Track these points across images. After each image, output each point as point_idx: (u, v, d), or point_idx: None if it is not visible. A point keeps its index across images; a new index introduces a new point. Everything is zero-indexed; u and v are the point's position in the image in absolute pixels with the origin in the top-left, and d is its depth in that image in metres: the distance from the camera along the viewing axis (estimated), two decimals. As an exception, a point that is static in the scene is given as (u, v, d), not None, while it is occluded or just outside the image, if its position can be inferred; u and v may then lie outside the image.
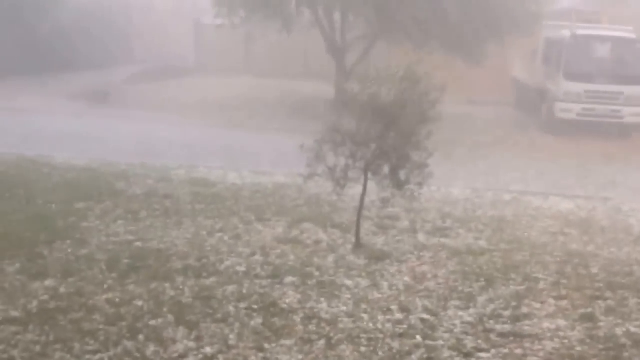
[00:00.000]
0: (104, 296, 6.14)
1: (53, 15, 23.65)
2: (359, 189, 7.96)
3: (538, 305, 6.54)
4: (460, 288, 6.86)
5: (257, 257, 7.38)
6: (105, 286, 6.37)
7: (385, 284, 6.85)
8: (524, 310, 6.41)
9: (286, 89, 22.25)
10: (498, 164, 13.89)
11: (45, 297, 6.07)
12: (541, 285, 7.09)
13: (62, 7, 24.19)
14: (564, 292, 6.93)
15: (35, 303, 5.93)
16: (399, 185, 7.63)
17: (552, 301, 6.67)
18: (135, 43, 28.85)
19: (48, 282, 6.38)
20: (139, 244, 7.60)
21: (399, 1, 16.44)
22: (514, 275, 7.31)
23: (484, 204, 10.49)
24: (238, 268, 7.03)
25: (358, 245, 7.88)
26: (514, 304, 6.52)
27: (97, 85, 21.58)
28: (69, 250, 7.24)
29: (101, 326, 5.58)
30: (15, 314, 5.71)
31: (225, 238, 8.00)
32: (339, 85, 18.54)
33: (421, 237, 8.51)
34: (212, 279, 6.69)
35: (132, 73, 24.88)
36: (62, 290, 6.23)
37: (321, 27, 19.07)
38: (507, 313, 6.30)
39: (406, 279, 7.04)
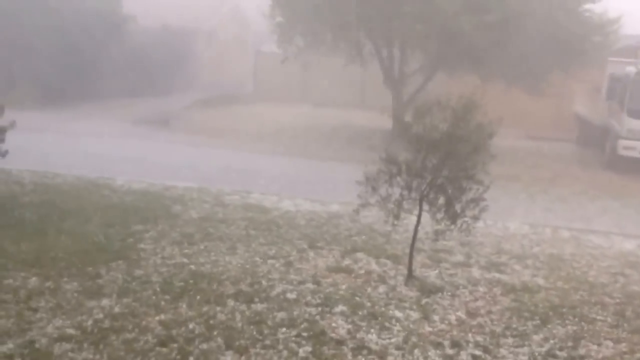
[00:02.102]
0: (157, 317, 6.22)
1: (119, 43, 24.52)
2: (413, 220, 7.90)
3: (595, 347, 6.32)
4: (514, 325, 6.69)
5: (309, 285, 7.37)
6: (159, 308, 6.46)
7: (436, 318, 6.73)
8: (581, 351, 6.20)
9: (342, 118, 22.36)
10: (557, 200, 13.57)
11: (100, 315, 6.19)
12: (599, 326, 6.85)
13: (128, 35, 25.06)
14: (622, 334, 6.68)
15: (90, 321, 6.05)
16: (454, 218, 7.53)
17: (609, 343, 6.44)
18: (197, 70, 29.55)
19: (104, 302, 6.51)
20: (192, 267, 7.70)
21: (460, 33, 16.39)
22: (571, 315, 7.09)
23: (542, 241, 10.25)
24: (289, 295, 7.03)
25: (410, 277, 7.80)
26: (570, 344, 6.32)
27: (159, 111, 22.15)
28: (125, 271, 7.38)
29: (153, 347, 5.65)
30: (71, 331, 5.84)
31: (278, 265, 8.03)
32: (395, 116, 18.51)
33: (475, 272, 8.36)
34: (263, 305, 6.71)
35: (193, 100, 25.44)
36: (116, 309, 6.35)
37: (379, 58, 19.17)
38: (562, 354, 6.11)
39: (459, 313, 6.91)
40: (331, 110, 23.68)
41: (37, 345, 5.55)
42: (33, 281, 6.90)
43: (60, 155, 14.22)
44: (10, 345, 5.52)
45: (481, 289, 7.72)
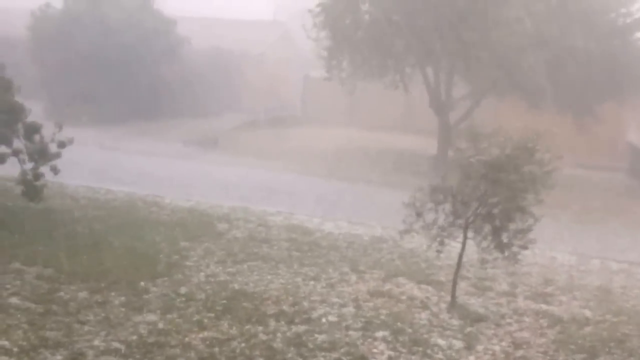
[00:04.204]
0: (200, 334, 6.31)
1: (173, 65, 25.10)
2: (457, 246, 7.84)
3: (644, 384, 6.15)
4: (560, 359, 6.56)
5: (350, 309, 7.38)
6: (202, 325, 6.54)
7: (480, 348, 6.65)
8: (628, 387, 6.05)
9: (388, 142, 22.35)
10: (607, 231, 13.27)
11: (145, 331, 6.31)
12: (648, 362, 6.67)
13: (181, 57, 25.63)
14: (673, 371, 6.49)
15: (135, 336, 6.17)
16: (501, 247, 7.44)
17: (659, 380, 6.26)
18: (246, 92, 29.97)
19: (149, 317, 6.63)
20: (235, 285, 7.79)
21: (514, 61, 16.30)
22: (619, 349, 6.92)
23: (590, 272, 10.04)
24: (330, 318, 7.04)
25: (453, 305, 7.72)
26: (617, 379, 6.17)
27: (207, 131, 22.50)
28: (171, 288, 7.51)
29: (195, 364, 5.73)
30: (116, 345, 5.97)
31: (319, 287, 8.05)
32: (442, 141, 18.48)
33: (521, 302, 8.23)
34: (304, 327, 6.73)
35: (241, 121, 25.79)
36: (160, 325, 6.46)
37: (427, 83, 19.16)
38: (609, 389, 5.96)
39: (503, 344, 6.81)
40: (377, 134, 23.69)
41: (84, 358, 5.69)
42: (83, 294, 7.08)
43: (112, 172, 14.57)
44: (59, 357, 5.67)
45: (527, 319, 7.60)
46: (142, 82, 23.51)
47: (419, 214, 7.44)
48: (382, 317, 7.20)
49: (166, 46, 24.76)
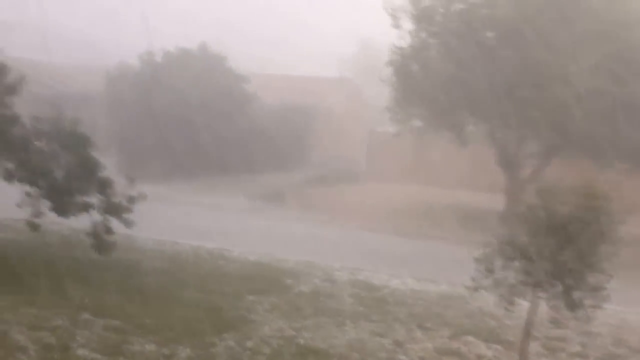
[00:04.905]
0: (265, 389, 6.29)
1: (243, 120, 25.78)
2: (527, 304, 7.62)
3: None
4: None
5: (417, 367, 7.24)
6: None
7: (552, 411, 6.39)
8: None
9: (454, 198, 22.12)
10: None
11: (211, 384, 6.34)
12: None
13: (248, 113, 26.32)
14: None
15: (201, 389, 6.21)
16: (572, 306, 7.19)
17: None
18: (313, 146, 30.37)
19: (214, 370, 6.66)
20: (301, 341, 7.76)
21: (585, 119, 16.02)
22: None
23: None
24: (396, 376, 6.92)
25: (524, 366, 7.47)
26: None
27: (274, 186, 22.84)
28: (237, 341, 7.55)
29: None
30: (182, 397, 6.00)
31: (386, 343, 7.94)
32: (510, 198, 18.16)
33: (594, 364, 7.90)
34: (370, 384, 6.64)
35: (307, 176, 26.09)
36: (226, 379, 6.48)
37: (494, 139, 19.00)
38: None
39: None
40: (442, 190, 23.51)
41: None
42: (150, 347, 7.18)
43: (181, 225, 14.90)
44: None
45: (601, 382, 7.27)
46: (212, 138, 24.19)
47: (488, 271, 7.30)
48: (450, 376, 7.03)
49: (236, 103, 25.52)
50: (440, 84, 18.02)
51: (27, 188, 9.92)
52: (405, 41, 18.55)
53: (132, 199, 10.14)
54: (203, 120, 23.97)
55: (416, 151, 21.38)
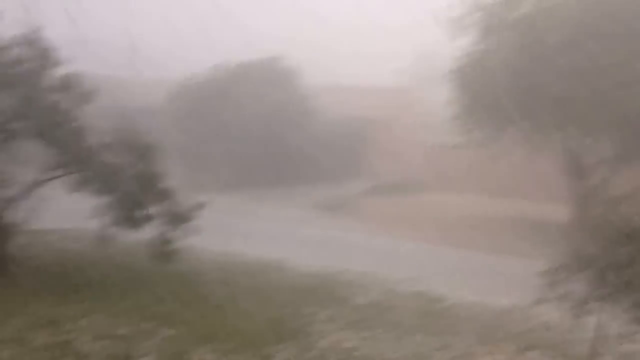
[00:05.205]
0: (323, 403, 6.23)
1: (299, 132, 26.00)
2: (594, 319, 7.35)
3: None
4: None
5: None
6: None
7: None
8: None
9: (516, 209, 21.63)
10: None
11: (269, 395, 6.32)
12: None
13: (308, 125, 26.53)
14: None
15: (259, 401, 6.20)
16: (641, 321, 6.90)
17: None
18: (371, 158, 30.28)
19: (272, 382, 6.65)
20: (359, 354, 7.68)
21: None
22: None
23: None
24: (457, 392, 6.76)
25: (591, 383, 7.19)
26: None
27: (334, 197, 22.84)
28: (295, 353, 7.52)
29: None
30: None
31: (446, 358, 7.78)
32: (576, 208, 17.65)
33: (667, 383, 7.55)
34: (430, 400, 6.50)
35: (367, 186, 25.99)
36: (285, 391, 6.45)
37: (564, 147, 18.51)
38: None
39: None
40: (504, 200, 23.03)
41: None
42: (210, 356, 7.23)
43: (241, 236, 15.02)
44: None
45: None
46: (274, 149, 24.50)
47: (553, 284, 7.06)
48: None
49: (299, 116, 25.83)
50: (506, 92, 17.69)
51: (96, 200, 10.14)
52: (466, 50, 18.33)
53: (193, 209, 10.28)
54: (265, 133, 24.35)
55: (475, 161, 21.00)
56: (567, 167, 18.57)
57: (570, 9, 16.55)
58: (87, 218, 10.18)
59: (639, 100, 15.27)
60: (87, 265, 10.71)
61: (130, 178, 10.26)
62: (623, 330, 7.06)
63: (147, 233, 10.44)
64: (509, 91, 17.53)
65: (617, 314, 7.06)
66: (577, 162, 18.42)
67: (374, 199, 23.54)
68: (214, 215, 10.86)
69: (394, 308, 9.81)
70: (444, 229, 18.25)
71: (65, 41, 10.10)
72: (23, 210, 9.66)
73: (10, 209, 9.64)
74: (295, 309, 9.28)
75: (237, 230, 15.79)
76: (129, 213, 10.19)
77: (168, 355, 7.18)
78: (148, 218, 10.30)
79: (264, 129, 24.36)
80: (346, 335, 8.34)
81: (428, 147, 28.82)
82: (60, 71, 10.23)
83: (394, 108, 33.07)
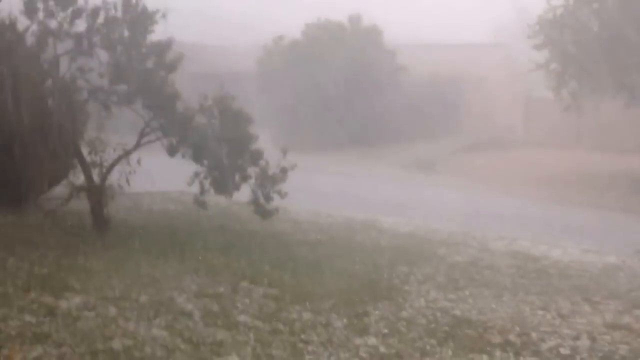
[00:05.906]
0: (423, 360, 6.16)
1: (389, 91, 25.65)
2: None
3: None
4: None
5: (584, 342, 6.78)
6: (424, 351, 6.39)
7: None
8: None
9: (621, 164, 20.63)
10: None
11: (367, 354, 6.30)
12: None
13: (397, 83, 26.12)
14: None
15: (357, 359, 6.19)
16: None
17: None
18: (464, 115, 29.60)
19: (370, 340, 6.62)
20: (457, 312, 7.54)
21: None
22: None
23: None
24: (562, 350, 6.52)
25: None
26: None
27: (425, 155, 22.51)
28: (391, 312, 7.46)
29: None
30: (340, 366, 6.02)
31: (548, 317, 7.52)
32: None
33: None
34: (533, 359, 6.30)
35: (460, 144, 25.47)
36: (382, 349, 6.41)
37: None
38: None
39: None
40: (608, 156, 22.00)
41: (308, 376, 5.81)
42: (307, 315, 7.27)
43: (332, 196, 15.07)
44: (285, 374, 5.85)
45: None
46: (361, 110, 24.32)
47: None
48: (622, 352, 6.52)
49: (386, 75, 25.44)
50: (605, 42, 16.78)
51: (193, 163, 10.40)
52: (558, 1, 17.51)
53: (285, 170, 10.35)
54: (353, 93, 24.17)
55: (577, 115, 20.12)
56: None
57: None
58: (186, 181, 10.45)
59: None
60: (186, 226, 11.00)
61: (224, 141, 10.40)
62: None
63: (243, 195, 10.62)
64: (609, 40, 16.65)
65: None
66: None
67: (469, 155, 23.06)
68: (305, 176, 10.90)
69: (492, 266, 9.59)
70: (544, 184, 17.67)
71: (153, 9, 10.21)
72: (123, 174, 9.96)
73: (110, 173, 9.96)
74: (390, 269, 9.21)
75: (328, 191, 15.83)
76: (225, 176, 10.37)
77: (265, 312, 7.28)
78: (244, 179, 10.46)
79: (352, 89, 24.17)
80: (443, 294, 8.20)
81: (524, 103, 27.88)
82: (153, 37, 10.40)
83: (491, 63, 32.11)
